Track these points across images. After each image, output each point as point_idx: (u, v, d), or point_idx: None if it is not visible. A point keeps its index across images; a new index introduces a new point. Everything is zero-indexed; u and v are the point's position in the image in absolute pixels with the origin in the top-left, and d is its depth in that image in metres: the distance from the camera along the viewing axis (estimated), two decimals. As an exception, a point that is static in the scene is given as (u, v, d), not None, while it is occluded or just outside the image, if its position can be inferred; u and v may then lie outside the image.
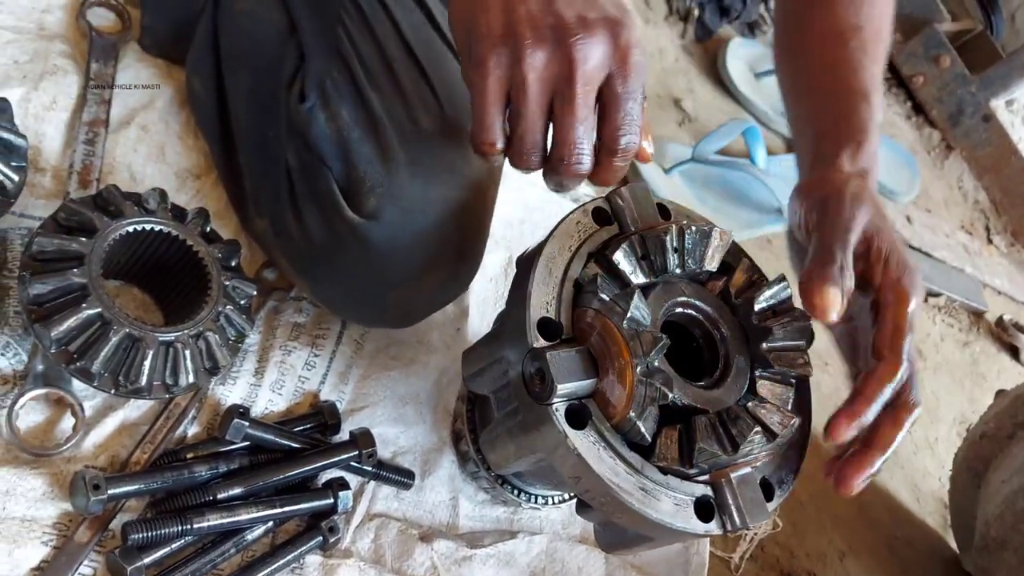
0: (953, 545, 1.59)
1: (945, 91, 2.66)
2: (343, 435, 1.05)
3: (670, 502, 0.82)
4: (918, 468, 1.73)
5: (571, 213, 0.91)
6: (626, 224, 0.91)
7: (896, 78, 2.73)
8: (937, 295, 2.15)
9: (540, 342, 0.82)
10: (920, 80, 2.69)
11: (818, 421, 1.63)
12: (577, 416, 0.81)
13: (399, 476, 1.05)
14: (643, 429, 0.80)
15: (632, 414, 0.80)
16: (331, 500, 0.98)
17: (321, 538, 0.96)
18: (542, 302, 0.84)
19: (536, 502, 1.14)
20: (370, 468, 1.03)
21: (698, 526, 0.83)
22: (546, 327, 0.83)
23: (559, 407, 0.80)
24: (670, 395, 0.79)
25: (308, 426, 1.03)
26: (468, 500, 1.11)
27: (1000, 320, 2.23)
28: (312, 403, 1.07)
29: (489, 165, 1.02)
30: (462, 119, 0.97)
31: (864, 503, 1.57)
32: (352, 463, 1.01)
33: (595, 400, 0.82)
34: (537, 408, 0.81)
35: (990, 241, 2.52)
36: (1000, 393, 1.53)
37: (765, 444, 0.84)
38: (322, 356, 1.10)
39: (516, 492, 1.12)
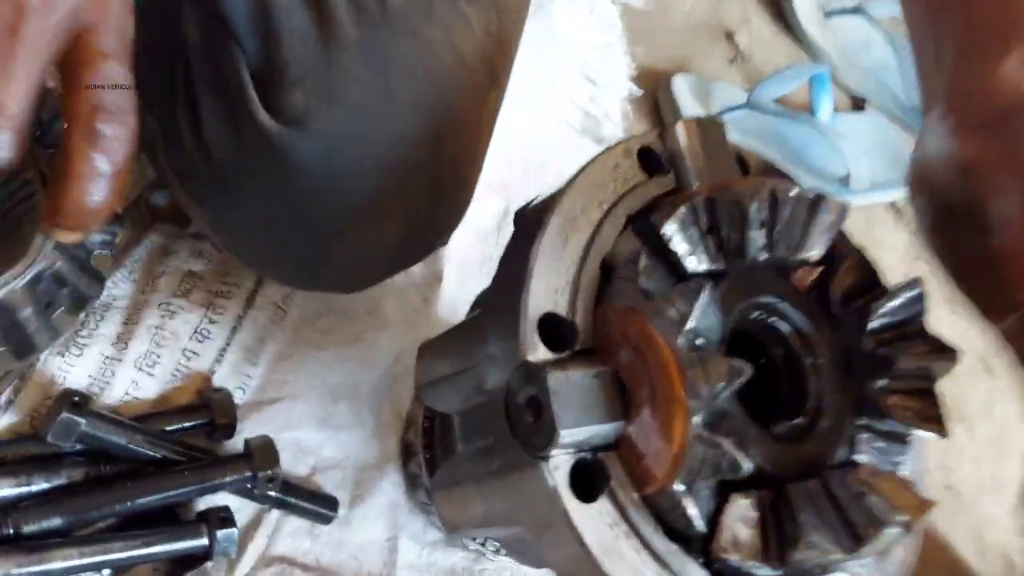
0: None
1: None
2: (239, 441, 0.77)
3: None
4: (983, 514, 1.49)
5: (605, 152, 0.62)
6: (687, 177, 0.63)
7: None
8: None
9: (539, 353, 0.54)
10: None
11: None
12: (587, 479, 0.54)
13: (315, 505, 0.79)
14: (691, 513, 0.52)
15: (678, 486, 0.52)
16: (204, 540, 0.70)
17: (185, 595, 0.69)
18: (549, 288, 0.56)
19: (500, 554, 0.87)
20: (272, 493, 0.75)
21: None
22: (552, 329, 0.55)
23: (560, 462, 0.52)
24: (744, 465, 0.51)
25: (186, 426, 0.76)
26: (414, 541, 0.86)
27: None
28: (199, 390, 0.79)
29: (491, 58, 0.73)
30: None
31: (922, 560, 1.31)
32: (244, 486, 0.73)
33: (619, 455, 0.54)
34: (525, 459, 0.53)
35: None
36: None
37: (895, 537, 0.56)
38: (222, 323, 0.83)
39: (481, 538, 0.85)
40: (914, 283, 0.64)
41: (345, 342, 0.89)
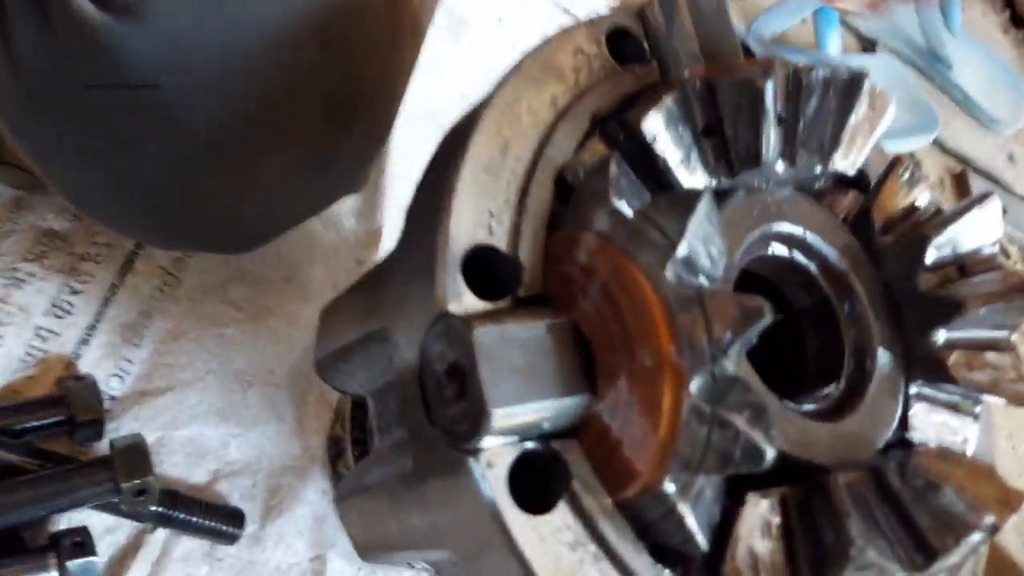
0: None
1: (1058, -3, 2.22)
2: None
3: None
4: (1024, 501, 1.33)
5: (561, 34, 0.46)
6: (675, 65, 0.47)
7: (992, -21, 2.28)
8: (1045, 261, 1.75)
9: (465, 302, 0.38)
10: (1025, -18, 2.24)
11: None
12: (538, 481, 0.38)
13: (212, 521, 0.63)
14: (689, 523, 0.37)
15: (669, 486, 0.36)
16: (52, 574, 0.54)
17: (29, 647, 0.53)
18: (480, 212, 0.41)
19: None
20: (153, 508, 0.60)
21: None
22: (484, 269, 0.40)
23: (496, 458, 0.37)
24: (766, 451, 0.35)
25: (39, 424, 0.60)
26: (347, 561, 0.71)
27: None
28: (59, 379, 0.63)
29: None
30: None
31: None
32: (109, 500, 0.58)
33: (582, 444, 0.39)
34: (447, 454, 0.38)
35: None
36: None
37: (979, 544, 0.41)
38: (88, 293, 0.67)
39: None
40: (984, 198, 0.49)
41: (257, 316, 0.73)
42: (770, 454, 0.35)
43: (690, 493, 0.37)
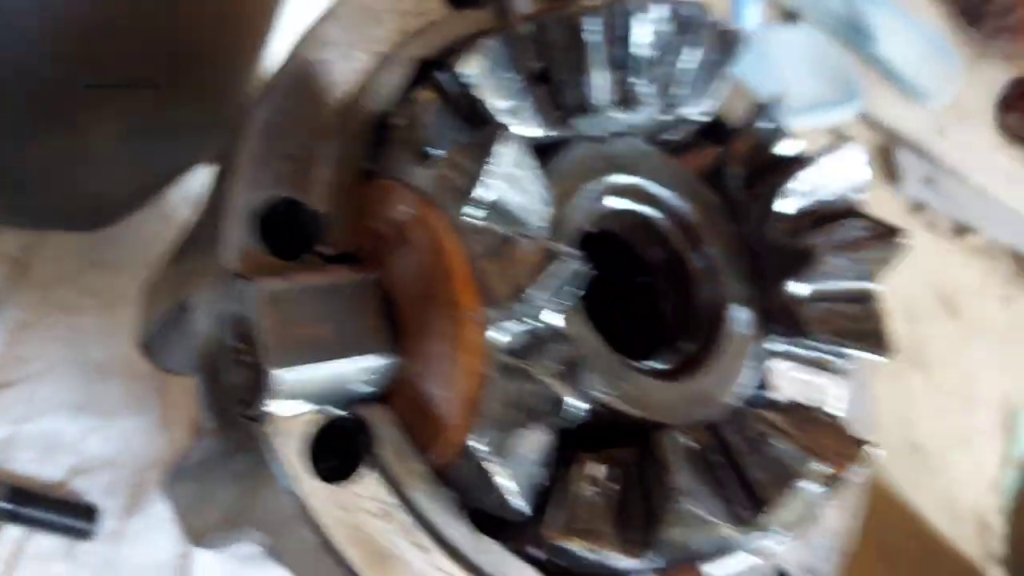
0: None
1: (985, -31, 2.25)
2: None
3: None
4: (953, 471, 1.36)
5: (382, -26, 0.45)
6: (510, 4, 0.45)
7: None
8: (972, 231, 1.78)
9: (258, 259, 0.36)
10: (953, -46, 2.28)
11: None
12: (335, 448, 0.36)
13: (63, 517, 0.61)
14: (502, 483, 0.35)
15: (478, 443, 0.34)
16: None
17: None
18: (279, 166, 0.38)
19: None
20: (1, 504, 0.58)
21: None
22: (278, 224, 0.38)
23: (292, 425, 0.35)
24: (572, 405, 0.34)
25: None
26: (214, 558, 0.69)
27: (1051, 269, 1.87)
28: None
29: None
30: None
31: (881, 526, 1.18)
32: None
33: (393, 409, 0.37)
34: (241, 424, 0.35)
35: (1037, 165, 2.15)
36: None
37: (817, 496, 0.40)
38: (-75, 283, 0.63)
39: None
40: (840, 144, 0.48)
41: (114, 304, 0.73)
42: (576, 407, 0.34)
43: (504, 452, 0.35)
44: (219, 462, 0.41)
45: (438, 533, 0.36)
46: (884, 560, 1.19)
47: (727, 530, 0.37)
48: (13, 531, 0.63)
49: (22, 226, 0.67)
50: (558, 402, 0.33)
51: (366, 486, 0.36)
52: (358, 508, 0.35)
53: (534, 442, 0.37)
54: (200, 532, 0.45)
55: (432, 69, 0.44)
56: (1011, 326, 1.74)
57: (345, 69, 0.42)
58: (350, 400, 0.36)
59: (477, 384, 0.34)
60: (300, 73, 0.40)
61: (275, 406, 0.34)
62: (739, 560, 0.41)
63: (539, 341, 0.35)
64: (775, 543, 0.41)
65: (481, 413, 0.34)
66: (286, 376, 0.33)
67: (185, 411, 0.72)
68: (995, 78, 2.24)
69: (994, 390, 1.58)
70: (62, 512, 0.63)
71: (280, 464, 0.34)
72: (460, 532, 0.37)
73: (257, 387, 0.34)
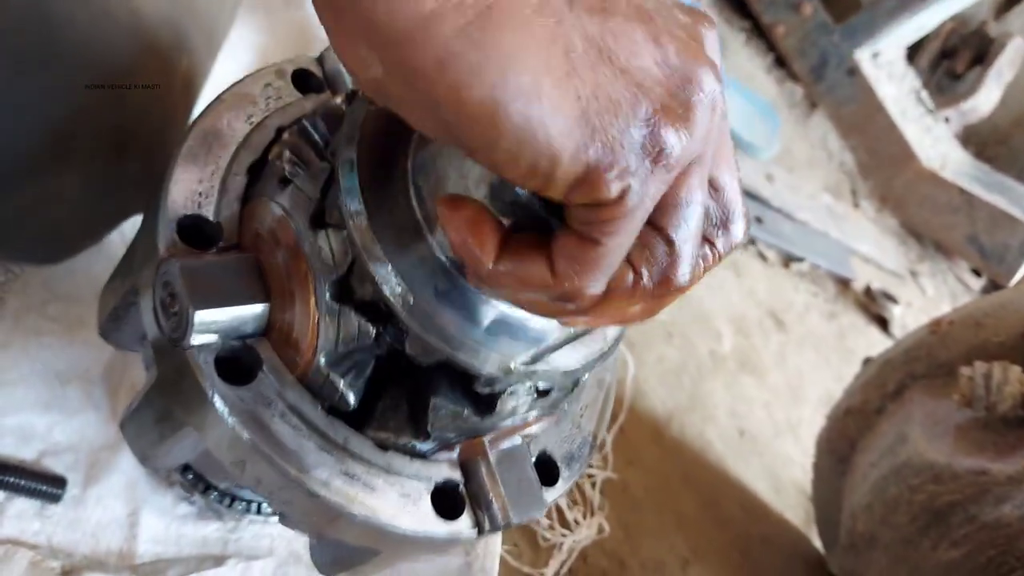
0: (818, 543, 1.43)
1: (807, 42, 2.56)
2: (-55, 425, 0.75)
3: (393, 493, 0.58)
4: (778, 455, 1.58)
5: (254, 73, 0.66)
6: (346, 91, 0.67)
7: (756, 28, 2.62)
8: (800, 260, 2.03)
9: (178, 250, 0.56)
10: (781, 30, 2.59)
11: (656, 397, 1.44)
12: (235, 364, 0.55)
13: (37, 483, 0.77)
14: (339, 385, 0.55)
15: (320, 360, 0.55)
16: (-100, 523, 0.68)
17: None
18: (190, 193, 0.59)
19: (261, 512, 0.88)
20: (-18, 472, 0.74)
21: (437, 527, 0.59)
22: (192, 231, 0.58)
23: (206, 350, 0.54)
24: (369, 331, 0.54)
25: None
26: (158, 516, 0.84)
27: (868, 289, 2.13)
28: (-100, 380, 0.77)
29: (177, 22, 0.76)
30: None
31: (713, 498, 1.39)
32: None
33: (271, 340, 0.57)
34: (173, 354, 0.55)
35: (856, 205, 2.43)
36: (867, 361, 1.38)
37: (535, 400, 0.61)
38: (-80, 314, 0.80)
39: (227, 500, 0.85)
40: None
41: (72, 327, 0.88)
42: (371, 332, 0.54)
43: (338, 366, 0.56)
44: (156, 390, 0.60)
45: (303, 415, 0.56)
46: (718, 526, 1.39)
47: (475, 420, 0.58)
48: None
49: None
50: (367, 333, 0.54)
51: (257, 386, 0.55)
52: (252, 400, 0.55)
53: (361, 360, 0.57)
54: (145, 448, 0.64)
55: (290, 129, 0.65)
56: (834, 336, 1.98)
57: (233, 130, 0.62)
58: (241, 336, 0.56)
59: (316, 323, 0.55)
60: (201, 135, 0.61)
61: (194, 337, 0.54)
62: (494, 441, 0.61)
63: (355, 295, 0.56)
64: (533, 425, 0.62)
65: (321, 342, 0.55)
66: (199, 316, 0.53)
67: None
68: (822, 134, 2.55)
69: (819, 389, 1.80)
70: (36, 480, 0.77)
71: (201, 372, 0.54)
72: (316, 415, 0.56)
73: (182, 325, 0.53)
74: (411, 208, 0.52)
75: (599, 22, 0.42)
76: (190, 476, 0.85)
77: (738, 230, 0.51)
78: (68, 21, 0.70)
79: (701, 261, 0.50)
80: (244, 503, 0.86)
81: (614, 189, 0.42)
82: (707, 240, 0.50)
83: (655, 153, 0.42)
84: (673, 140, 0.42)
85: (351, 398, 0.56)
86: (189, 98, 0.83)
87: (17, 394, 0.83)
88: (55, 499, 0.79)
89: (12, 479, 0.76)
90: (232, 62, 1.13)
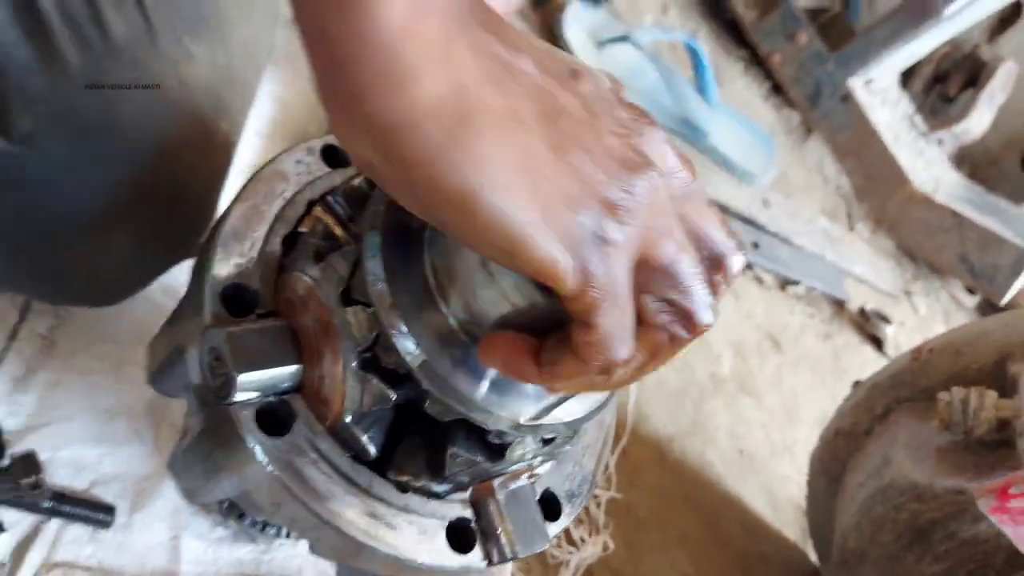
0: (814, 558, 1.47)
1: (803, 70, 2.61)
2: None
3: (412, 530, 0.64)
4: (775, 474, 1.62)
5: (286, 151, 0.72)
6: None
7: (753, 57, 2.67)
8: (796, 283, 2.07)
9: (221, 316, 0.62)
10: (778, 59, 2.64)
11: (658, 420, 1.49)
12: (273, 418, 0.61)
13: (89, 512, 0.84)
14: (362, 439, 0.61)
15: (347, 418, 0.61)
16: (-28, 550, 0.74)
17: (-43, 603, 0.73)
18: (232, 264, 0.65)
19: (291, 536, 0.94)
20: (44, 503, 0.80)
21: (451, 559, 0.65)
22: (234, 299, 0.64)
23: (247, 406, 0.60)
24: (391, 396, 0.60)
25: (-46, 451, 0.80)
26: (197, 539, 0.90)
27: (862, 310, 2.17)
28: (-32, 420, 0.83)
29: (218, 90, 0.82)
30: (167, 21, 0.77)
31: (714, 517, 1.43)
32: (12, 497, 0.78)
33: (304, 396, 0.63)
34: (219, 411, 0.61)
35: (852, 228, 2.48)
36: (856, 384, 1.43)
37: (541, 447, 0.66)
38: (-15, 357, 0.86)
39: (260, 525, 0.91)
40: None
41: (116, 366, 0.94)
42: (392, 397, 0.60)
43: (361, 422, 0.62)
44: (199, 437, 0.66)
45: (332, 463, 0.62)
46: (719, 544, 1.44)
47: (486, 465, 0.63)
48: (54, 523, 0.82)
49: (53, 303, 0.89)
50: (387, 398, 0.60)
51: (292, 438, 0.61)
52: (288, 449, 0.61)
53: (381, 414, 0.63)
54: (193, 487, 0.70)
55: (320, 203, 0.71)
56: (829, 357, 2.02)
57: (269, 205, 0.68)
58: (278, 392, 0.62)
59: (343, 386, 0.61)
60: (241, 211, 0.67)
61: (237, 395, 0.60)
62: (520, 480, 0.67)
63: (386, 357, 0.62)
64: (538, 468, 0.68)
65: (347, 401, 0.61)
66: (242, 378, 0.59)
67: (171, 441, 0.95)
68: (818, 159, 2.59)
69: (815, 410, 1.84)
70: (88, 509, 0.83)
71: (242, 425, 0.60)
72: (344, 462, 0.62)
73: (227, 385, 0.60)
74: (427, 282, 0.58)
75: (553, 126, 0.48)
76: (226, 504, 0.91)
77: (735, 263, 0.56)
78: (126, 94, 0.76)
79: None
80: (275, 528, 0.92)
81: (575, 279, 0.48)
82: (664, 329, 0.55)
83: (604, 239, 0.48)
84: (613, 228, 0.48)
85: (372, 450, 0.62)
86: (227, 158, 0.89)
87: (70, 429, 0.89)
88: (106, 525, 0.85)
89: (69, 508, 0.82)
90: (257, 112, 1.19)
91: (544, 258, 0.48)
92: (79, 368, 0.92)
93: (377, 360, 0.60)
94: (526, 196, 0.47)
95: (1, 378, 0.87)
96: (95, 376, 0.93)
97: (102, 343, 0.95)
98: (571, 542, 1.20)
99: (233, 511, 0.91)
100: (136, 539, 0.88)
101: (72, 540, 0.84)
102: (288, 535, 0.93)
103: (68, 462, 0.87)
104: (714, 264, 0.56)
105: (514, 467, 0.66)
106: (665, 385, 1.56)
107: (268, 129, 1.20)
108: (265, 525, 0.92)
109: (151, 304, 0.97)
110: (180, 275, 0.90)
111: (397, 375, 0.59)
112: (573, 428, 0.65)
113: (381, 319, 0.56)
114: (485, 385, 0.58)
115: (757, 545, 1.47)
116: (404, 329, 0.56)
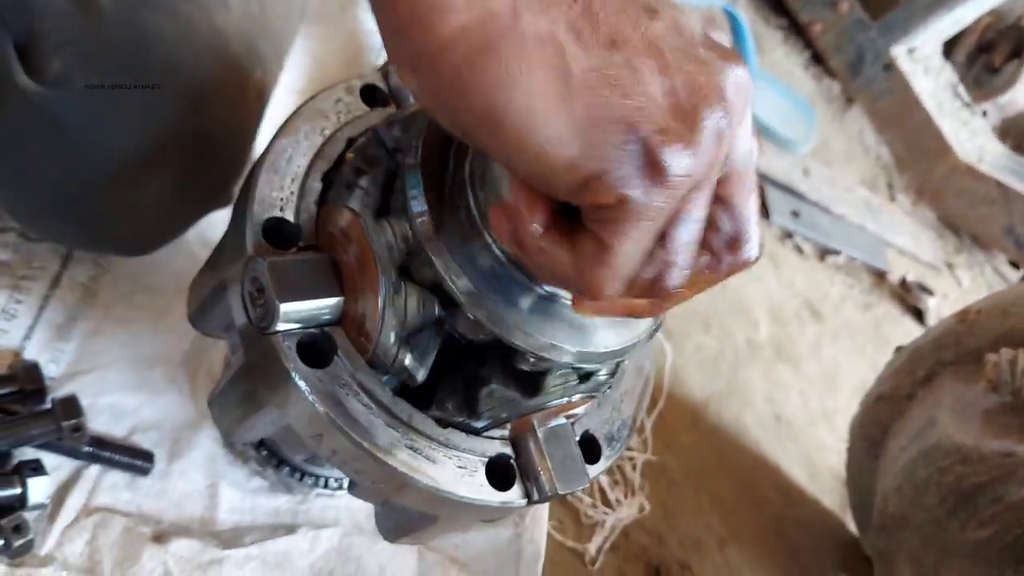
0: (852, 527, 1.47)
1: (844, 38, 2.58)
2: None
3: (451, 464, 0.64)
4: (813, 441, 1.61)
5: (326, 90, 0.72)
6: (408, 104, 0.73)
7: (793, 26, 2.63)
8: (836, 253, 2.05)
9: (263, 249, 0.63)
10: (818, 27, 2.60)
11: (694, 383, 1.49)
12: (314, 349, 0.62)
13: (128, 458, 0.85)
14: (408, 363, 0.62)
15: (389, 338, 0.61)
16: (17, 490, 0.76)
17: (3, 541, 0.74)
18: (273, 198, 0.65)
19: (328, 486, 0.95)
20: (84, 448, 0.82)
21: (491, 495, 0.65)
22: (275, 232, 0.64)
23: (289, 337, 0.61)
24: (434, 311, 0.60)
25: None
26: (234, 488, 0.91)
27: (903, 281, 2.14)
28: (11, 363, 0.85)
29: (253, 37, 0.82)
30: None
31: (750, 482, 1.43)
32: (53, 440, 0.79)
33: (344, 329, 0.63)
34: (260, 340, 0.61)
35: (893, 198, 2.44)
36: (899, 349, 1.42)
37: (578, 384, 0.66)
38: (28, 303, 0.88)
39: (298, 475, 0.92)
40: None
41: (156, 315, 0.95)
42: (434, 312, 0.61)
43: (406, 345, 0.62)
44: (239, 372, 0.66)
45: (372, 395, 0.62)
46: (754, 508, 1.44)
47: (523, 401, 0.64)
48: (93, 469, 0.84)
49: (93, 251, 0.90)
50: (432, 310, 0.60)
51: (333, 368, 0.61)
52: (329, 381, 0.61)
53: (429, 344, 0.63)
54: (231, 424, 0.70)
55: (359, 141, 0.71)
56: (870, 327, 2.00)
57: (309, 142, 0.69)
58: (319, 324, 0.63)
59: (382, 313, 0.61)
60: (281, 147, 0.67)
61: (279, 324, 0.60)
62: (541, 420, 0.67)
63: (423, 285, 0.62)
64: (577, 408, 0.68)
65: (387, 327, 0.61)
66: (284, 307, 0.59)
67: (207, 390, 0.95)
68: (858, 129, 2.56)
69: (854, 379, 1.83)
70: (128, 455, 0.84)
71: (284, 355, 0.60)
72: (384, 394, 0.62)
73: (269, 315, 0.60)
74: (468, 205, 0.58)
75: (605, 55, 0.49)
76: (264, 453, 0.92)
77: (749, 251, 0.57)
78: (158, 35, 0.76)
79: (705, 272, 0.56)
80: (313, 477, 0.93)
81: (610, 195, 0.48)
82: (715, 254, 0.55)
83: (655, 170, 0.48)
84: (672, 160, 0.48)
85: (420, 374, 0.62)
86: (261, 106, 0.90)
87: (110, 376, 0.90)
88: (144, 472, 0.87)
89: (108, 454, 0.84)
90: (292, 68, 1.20)
91: (587, 182, 0.49)
92: (119, 317, 0.94)
93: (412, 276, 0.62)
94: (556, 117, 0.48)
95: (43, 326, 0.89)
96: (134, 325, 0.94)
97: (142, 293, 0.96)
98: (606, 503, 1.20)
99: (271, 460, 0.92)
100: (174, 486, 0.89)
101: (111, 486, 0.86)
102: (326, 484, 0.94)
103: (107, 409, 0.89)
104: (731, 243, 0.56)
105: (552, 402, 0.66)
106: (702, 350, 1.55)
107: (303, 86, 1.20)
108: (303, 475, 0.93)
109: (189, 255, 0.98)
110: (218, 226, 0.91)
111: (434, 293, 0.60)
112: (610, 360, 0.65)
113: (418, 233, 0.57)
114: (519, 307, 0.59)
115: (793, 510, 1.47)
116: (441, 246, 0.57)
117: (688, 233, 0.52)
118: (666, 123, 0.48)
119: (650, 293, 0.53)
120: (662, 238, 0.51)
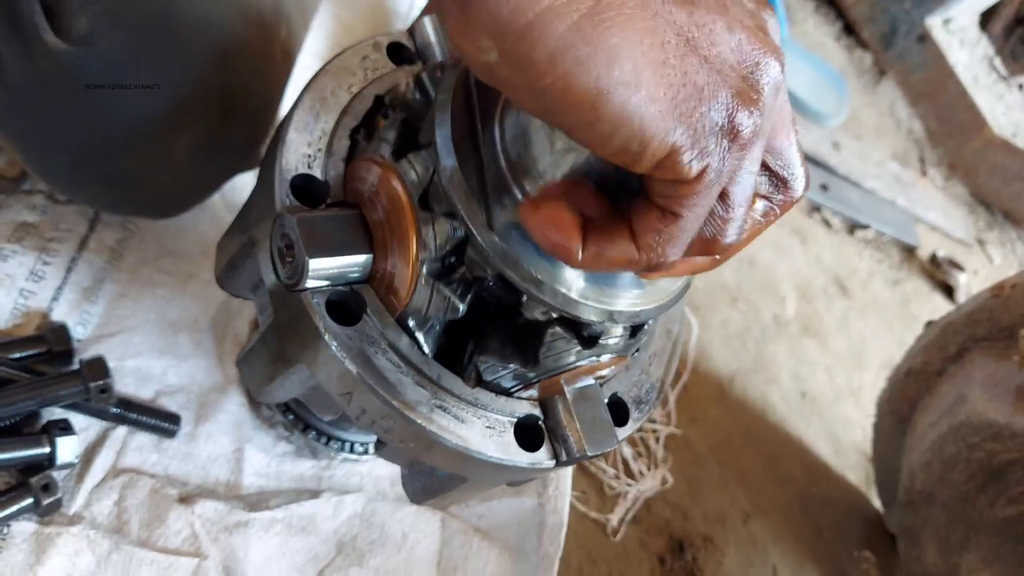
0: (876, 503, 1.47)
1: (877, 8, 2.55)
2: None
3: (480, 424, 0.65)
4: (839, 417, 1.61)
5: (353, 47, 0.72)
6: (436, 60, 0.73)
7: (824, -5, 2.60)
8: (865, 227, 2.04)
9: (292, 205, 0.63)
10: (850, -3, 2.57)
11: (720, 358, 1.49)
12: (343, 307, 0.62)
13: (156, 420, 0.86)
14: (446, 292, 0.63)
15: (417, 301, 0.61)
16: (45, 448, 0.77)
17: (32, 499, 0.76)
18: (301, 155, 0.66)
19: (353, 451, 0.96)
20: (113, 408, 0.83)
21: (519, 456, 0.65)
22: (303, 189, 0.65)
23: (318, 294, 0.61)
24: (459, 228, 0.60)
25: (25, 354, 0.83)
26: (261, 452, 0.93)
27: (933, 257, 2.13)
28: (39, 324, 0.86)
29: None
30: None
31: (775, 456, 1.43)
32: (81, 401, 0.81)
33: (373, 287, 0.64)
34: (290, 298, 0.62)
35: (924, 173, 2.42)
36: (929, 324, 1.41)
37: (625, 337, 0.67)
38: (55, 265, 0.90)
39: (324, 439, 0.94)
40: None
41: (182, 279, 0.97)
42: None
43: (442, 279, 0.62)
44: (269, 331, 0.67)
45: (401, 353, 0.63)
46: (779, 483, 1.44)
47: (576, 350, 0.64)
48: (120, 430, 0.85)
49: (119, 213, 0.91)
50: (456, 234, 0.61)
51: (362, 326, 0.62)
52: (359, 338, 0.62)
53: (453, 304, 0.64)
54: (261, 384, 0.71)
55: (387, 97, 0.71)
56: (898, 303, 1.99)
57: (337, 99, 0.69)
58: (348, 282, 0.63)
59: (413, 275, 0.61)
60: (309, 103, 0.67)
61: (308, 281, 0.61)
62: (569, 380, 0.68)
63: (454, 245, 0.62)
64: (605, 369, 0.68)
65: (418, 285, 0.62)
66: (313, 263, 0.60)
67: (233, 355, 0.97)
68: (890, 102, 2.53)
69: (882, 355, 1.82)
70: (155, 417, 0.86)
71: (314, 312, 0.61)
72: (413, 352, 0.63)
73: (298, 271, 0.61)
74: (499, 162, 0.58)
75: (687, 14, 0.47)
76: (290, 417, 0.93)
77: (797, 186, 0.56)
78: None
79: (758, 219, 0.56)
80: (339, 442, 0.95)
81: (695, 168, 0.48)
82: (766, 198, 0.55)
83: (732, 134, 0.48)
84: (747, 121, 0.48)
85: (460, 306, 0.62)
86: (287, 66, 0.90)
87: (135, 340, 0.91)
88: (171, 435, 0.88)
89: (135, 416, 0.85)
90: (319, 33, 1.21)
91: (671, 156, 0.47)
92: (145, 280, 0.95)
93: (450, 266, 0.62)
94: (656, 91, 0.46)
95: (71, 288, 0.90)
96: (161, 289, 0.95)
97: (168, 257, 0.97)
98: (629, 474, 1.21)
99: (297, 424, 0.93)
100: (200, 449, 0.90)
101: (138, 448, 0.87)
102: (351, 449, 0.95)
103: (133, 372, 0.90)
104: (781, 183, 0.56)
105: (586, 361, 0.66)
106: (729, 325, 1.55)
107: (329, 51, 1.21)
108: (329, 439, 0.94)
109: (216, 219, 1.00)
110: (244, 191, 0.92)
111: (467, 279, 0.62)
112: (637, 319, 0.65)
113: (461, 212, 0.57)
114: (541, 255, 0.59)
115: (818, 486, 1.46)
116: (464, 193, 0.57)
117: (747, 188, 0.52)
118: (739, 85, 0.48)
119: (709, 250, 0.53)
120: (722, 196, 0.51)
